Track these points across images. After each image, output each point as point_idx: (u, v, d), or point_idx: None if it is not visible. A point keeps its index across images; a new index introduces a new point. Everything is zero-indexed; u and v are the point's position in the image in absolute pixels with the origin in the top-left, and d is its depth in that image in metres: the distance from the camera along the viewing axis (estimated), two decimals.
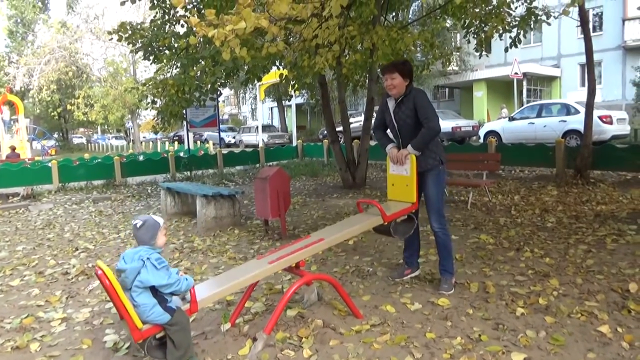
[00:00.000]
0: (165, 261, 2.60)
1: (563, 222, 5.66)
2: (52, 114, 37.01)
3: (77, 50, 29.30)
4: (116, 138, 46.22)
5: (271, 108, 39.48)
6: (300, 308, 3.39)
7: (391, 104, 3.71)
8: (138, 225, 2.61)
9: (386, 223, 3.52)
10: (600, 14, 23.62)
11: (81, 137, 51.71)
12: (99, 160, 13.58)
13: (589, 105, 8.48)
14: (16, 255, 5.52)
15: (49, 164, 11.89)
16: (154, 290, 2.55)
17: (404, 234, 3.72)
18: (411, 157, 3.55)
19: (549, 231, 5.30)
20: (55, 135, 42.93)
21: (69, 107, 31.96)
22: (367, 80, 9.82)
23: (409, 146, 3.55)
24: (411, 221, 3.74)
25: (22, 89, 29.76)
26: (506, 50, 9.54)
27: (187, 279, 2.63)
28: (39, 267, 5.00)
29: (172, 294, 2.61)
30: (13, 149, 18.15)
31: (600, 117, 12.77)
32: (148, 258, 2.53)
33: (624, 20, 22.37)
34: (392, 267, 4.29)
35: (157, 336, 2.62)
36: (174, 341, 2.56)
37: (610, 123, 13.20)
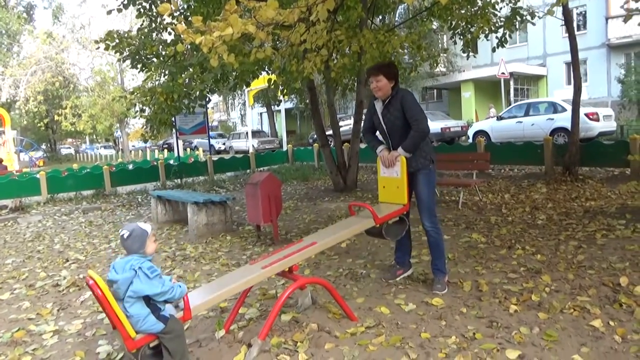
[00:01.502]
0: (158, 269, 2.57)
1: (553, 219, 5.71)
2: (40, 125, 36.76)
3: (64, 61, 29.13)
4: (105, 147, 45.93)
5: (260, 113, 39.46)
6: (294, 312, 3.38)
7: (379, 106, 3.73)
8: (125, 236, 2.57)
9: (378, 225, 3.52)
10: (584, 12, 23.92)
11: (69, 148, 51.32)
12: (88, 170, 13.47)
13: (576, 103, 8.58)
14: (5, 269, 5.45)
15: (37, 175, 11.77)
16: (147, 300, 2.52)
17: (395, 235, 3.73)
18: (402, 159, 3.57)
19: (540, 228, 5.34)
20: (43, 146, 42.56)
21: (56, 117, 31.74)
22: (355, 84, 9.86)
23: (400, 148, 3.57)
24: (403, 223, 3.75)
25: (9, 100, 29.51)
26: (493, 50, 9.63)
27: (180, 286, 2.60)
28: (29, 279, 4.94)
29: (165, 302, 2.59)
30: (0, 161, 17.96)
31: (586, 115, 12.92)
32: (140, 267, 2.49)
33: (607, 19, 22.67)
34: (385, 269, 4.30)
35: (151, 345, 2.60)
36: (169, 349, 2.54)
37: (597, 120, 13.36)
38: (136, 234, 2.59)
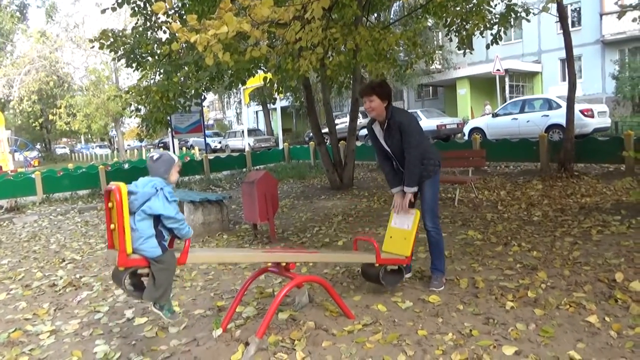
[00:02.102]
0: (177, 197, 2.66)
1: (549, 216, 5.74)
2: (34, 124, 36.49)
3: (58, 60, 28.95)
4: (100, 147, 45.72)
5: (256, 112, 39.39)
6: (291, 311, 3.39)
7: (377, 130, 3.72)
8: (155, 158, 2.69)
9: (377, 265, 3.49)
10: (578, 9, 23.98)
11: (64, 147, 51.09)
12: (84, 169, 13.41)
13: (570, 100, 8.60)
14: (1, 269, 5.43)
15: (33, 175, 11.71)
16: (156, 222, 2.59)
17: (391, 284, 3.65)
18: (416, 213, 3.60)
19: (536, 225, 5.37)
20: (38, 146, 42.33)
21: (51, 117, 31.53)
22: (351, 81, 9.86)
23: (405, 187, 3.59)
24: (400, 274, 3.69)
25: (2, 100, 29.35)
26: (488, 47, 9.64)
27: (188, 227, 2.70)
28: (26, 280, 4.93)
29: (170, 232, 2.65)
30: None
31: (581, 111, 12.95)
32: (162, 188, 2.59)
33: (601, 15, 22.74)
34: None
35: (139, 272, 2.64)
36: (155, 279, 2.58)
37: (592, 116, 13.40)
38: (165, 158, 2.70)
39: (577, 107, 11.04)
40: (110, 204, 2.52)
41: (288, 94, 11.14)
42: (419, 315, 3.21)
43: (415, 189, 3.59)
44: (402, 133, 3.53)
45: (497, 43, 9.36)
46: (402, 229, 3.69)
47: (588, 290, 3.36)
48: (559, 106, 13.41)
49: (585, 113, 13.25)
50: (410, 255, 3.67)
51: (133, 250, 2.52)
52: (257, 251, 3.05)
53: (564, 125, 9.24)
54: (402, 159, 3.63)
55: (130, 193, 2.53)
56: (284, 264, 3.13)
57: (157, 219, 2.56)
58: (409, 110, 21.26)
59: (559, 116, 12.73)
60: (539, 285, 3.51)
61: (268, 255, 3.01)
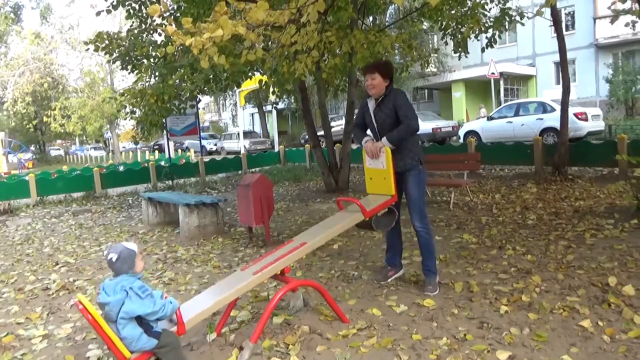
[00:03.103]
0: (149, 288, 2.53)
1: (543, 219, 5.76)
2: (28, 126, 36.34)
3: (52, 61, 28.86)
4: (95, 149, 45.59)
5: (252, 114, 39.37)
6: (286, 315, 3.38)
7: (371, 104, 3.75)
8: (114, 259, 2.51)
9: (367, 218, 3.52)
10: (572, 13, 24.14)
11: (59, 149, 50.88)
12: (78, 172, 13.36)
13: (564, 103, 8.65)
14: None
15: (26, 178, 11.65)
16: (139, 319, 2.49)
17: (385, 226, 3.71)
18: (386, 150, 3.56)
19: (530, 228, 5.38)
20: (32, 148, 42.11)
21: (45, 119, 31.42)
22: (347, 84, 9.87)
23: (384, 138, 3.58)
24: (392, 214, 3.73)
25: None
26: (483, 50, 9.70)
27: (171, 302, 2.57)
28: (18, 283, 4.89)
29: (157, 319, 2.56)
30: None
31: (575, 114, 13.03)
32: (131, 287, 2.45)
33: (595, 19, 22.90)
34: (377, 270, 4.30)
35: None
36: None
37: (586, 120, 13.48)
38: (124, 256, 2.53)
39: (571, 110, 11.10)
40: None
41: (284, 96, 11.13)
42: (414, 320, 3.20)
43: (391, 145, 3.55)
44: (397, 108, 3.55)
45: (491, 46, 9.41)
46: (378, 169, 3.67)
47: (582, 294, 3.37)
48: (553, 109, 13.48)
49: (579, 116, 13.33)
50: (396, 193, 3.64)
51: (131, 351, 2.46)
52: (247, 274, 3.02)
53: (558, 128, 9.29)
54: (385, 135, 3.62)
55: (102, 304, 2.47)
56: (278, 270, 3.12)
57: (139, 316, 2.49)
58: None
59: (553, 119, 12.80)
60: (533, 289, 3.51)
61: (260, 275, 2.97)
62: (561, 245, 4.59)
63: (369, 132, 3.88)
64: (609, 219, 5.42)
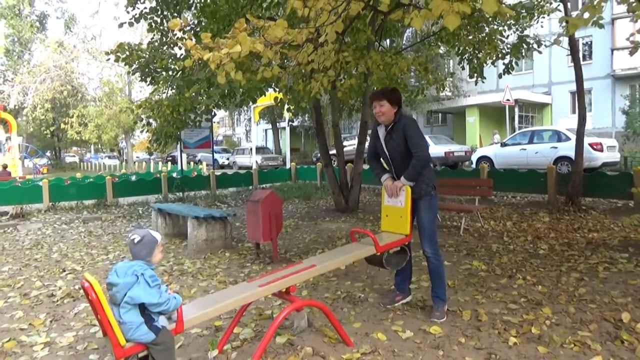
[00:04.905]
0: (159, 279, 2.56)
1: (555, 250, 5.66)
2: (46, 132, 37.01)
3: (73, 70, 29.47)
4: (109, 157, 46.11)
5: (265, 130, 39.64)
6: (289, 335, 3.33)
7: (381, 132, 3.73)
8: (136, 241, 2.57)
9: (379, 254, 3.48)
10: (589, 43, 24.13)
11: (74, 156, 51.60)
12: (91, 179, 13.48)
13: (580, 133, 8.57)
14: (1, 276, 5.41)
15: (40, 183, 11.78)
16: (142, 308, 2.49)
17: (396, 265, 3.67)
18: (406, 189, 3.55)
19: (541, 258, 5.29)
20: (48, 154, 42.75)
21: (62, 125, 31.97)
22: (361, 105, 9.90)
23: (402, 178, 3.56)
24: (404, 253, 3.69)
25: (16, 107, 29.78)
26: (500, 76, 9.71)
27: (175, 298, 2.59)
28: (25, 288, 4.90)
29: (159, 313, 2.55)
30: (4, 167, 18.02)
31: (590, 144, 12.92)
32: (142, 274, 2.48)
33: (612, 50, 22.86)
34: (383, 293, 4.24)
35: (140, 355, 2.55)
36: None
37: (601, 150, 13.35)
38: (147, 240, 2.58)
39: (587, 140, 10.99)
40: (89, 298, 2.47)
41: (298, 114, 11.22)
42: (419, 347, 3.14)
43: (411, 183, 3.54)
44: (407, 136, 3.52)
45: (509, 73, 9.42)
46: (396, 207, 3.63)
47: (593, 329, 3.28)
48: (568, 138, 13.38)
49: (595, 147, 13.20)
50: (410, 233, 3.60)
51: (127, 340, 2.45)
52: (253, 286, 3.00)
53: (573, 157, 9.19)
54: (399, 164, 3.62)
55: (110, 284, 2.48)
56: (283, 289, 3.08)
57: (143, 305, 2.49)
58: None
59: (567, 148, 12.69)
60: (544, 322, 3.43)
61: (265, 289, 2.95)
62: (573, 278, 4.49)
63: (382, 160, 3.86)
64: (623, 253, 5.31)
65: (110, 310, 2.41)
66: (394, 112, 3.61)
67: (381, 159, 3.86)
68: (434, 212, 3.68)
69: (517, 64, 9.75)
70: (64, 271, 5.56)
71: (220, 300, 2.87)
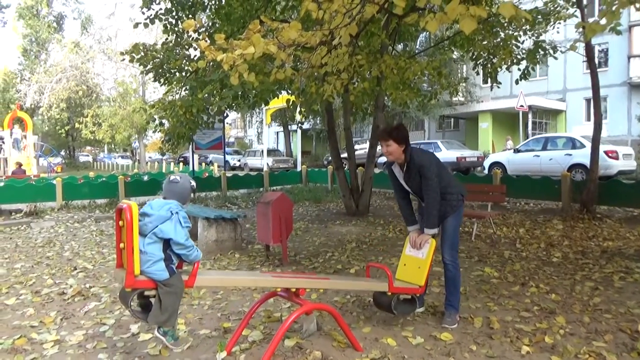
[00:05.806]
0: (190, 222, 2.66)
1: (569, 258, 5.57)
2: (60, 131, 37.48)
3: (89, 70, 29.83)
4: (122, 157, 46.54)
5: (277, 132, 39.74)
6: (298, 338, 3.30)
7: (397, 171, 3.67)
8: (176, 181, 2.72)
9: (389, 294, 3.40)
10: (605, 50, 23.85)
11: (88, 156, 52.14)
12: (104, 179, 13.59)
13: (595, 140, 8.45)
14: (14, 273, 5.46)
15: (54, 182, 11.90)
16: (165, 246, 2.57)
17: (404, 313, 3.56)
18: (431, 242, 3.49)
19: (555, 266, 5.21)
20: (62, 153, 43.27)
21: (77, 125, 32.35)
22: (374, 108, 9.87)
23: (425, 229, 3.51)
24: (413, 304, 3.57)
25: (32, 106, 30.21)
26: (517, 82, 9.65)
27: (197, 250, 2.68)
28: (36, 286, 4.93)
29: (179, 257, 2.63)
30: (19, 165, 18.27)
31: (606, 152, 12.73)
32: (177, 212, 2.58)
33: (629, 57, 22.58)
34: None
35: (146, 293, 2.60)
36: (162, 302, 2.55)
37: (617, 158, 13.16)
38: (184, 182, 2.75)
39: (602, 148, 10.83)
40: (121, 222, 2.50)
41: (310, 117, 11.20)
42: (430, 353, 3.09)
43: (435, 230, 3.51)
44: (422, 177, 3.47)
45: (525, 79, 9.35)
46: (416, 258, 3.58)
47: (609, 340, 3.21)
48: (582, 146, 13.21)
49: (610, 154, 13.02)
50: (425, 286, 3.54)
51: (141, 272, 2.49)
52: (266, 275, 3.00)
53: (587, 165, 9.07)
54: (422, 194, 3.57)
55: (144, 215, 2.52)
56: (293, 290, 3.06)
57: (167, 243, 2.54)
58: (429, 141, 21.21)
59: (582, 156, 12.53)
60: (557, 331, 3.36)
61: (277, 280, 2.96)
62: (587, 287, 4.41)
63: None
64: (639, 262, 5.21)
65: (138, 235, 2.47)
66: (402, 150, 3.51)
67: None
68: (459, 219, 3.64)
69: (533, 69, 9.66)
70: (75, 269, 5.59)
71: (234, 275, 2.91)
